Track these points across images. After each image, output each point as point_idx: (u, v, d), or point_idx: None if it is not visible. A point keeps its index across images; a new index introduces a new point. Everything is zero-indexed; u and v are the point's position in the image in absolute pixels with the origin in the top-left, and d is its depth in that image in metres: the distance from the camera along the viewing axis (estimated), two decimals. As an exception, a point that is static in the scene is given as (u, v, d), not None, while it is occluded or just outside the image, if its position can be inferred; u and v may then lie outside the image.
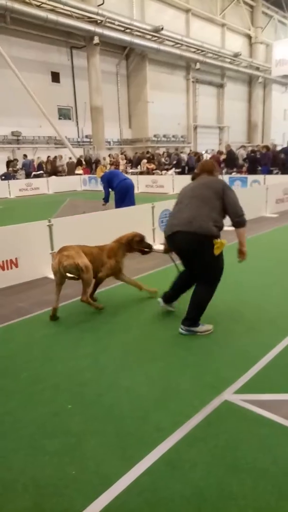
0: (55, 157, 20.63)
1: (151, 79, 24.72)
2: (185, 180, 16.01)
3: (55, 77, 22.04)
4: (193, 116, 28.16)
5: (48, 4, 18.36)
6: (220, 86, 29.98)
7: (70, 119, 23.21)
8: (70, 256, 3.79)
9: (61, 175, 19.51)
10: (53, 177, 18.65)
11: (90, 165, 20.41)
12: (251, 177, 13.84)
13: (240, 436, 2.28)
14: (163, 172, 18.42)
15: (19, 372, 3.03)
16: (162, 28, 22.56)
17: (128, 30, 21.70)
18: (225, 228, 3.40)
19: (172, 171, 17.99)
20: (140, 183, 16.17)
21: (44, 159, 20.56)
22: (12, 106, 19.63)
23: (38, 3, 18.30)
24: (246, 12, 30.15)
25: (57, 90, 21.97)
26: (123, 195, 7.31)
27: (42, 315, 4.12)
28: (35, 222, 5.50)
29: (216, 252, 3.22)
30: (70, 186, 18.32)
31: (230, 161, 16.46)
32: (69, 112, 23.15)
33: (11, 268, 5.16)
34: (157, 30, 22.53)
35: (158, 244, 6.86)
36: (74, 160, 20.69)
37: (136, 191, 9.29)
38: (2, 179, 18.06)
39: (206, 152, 22.22)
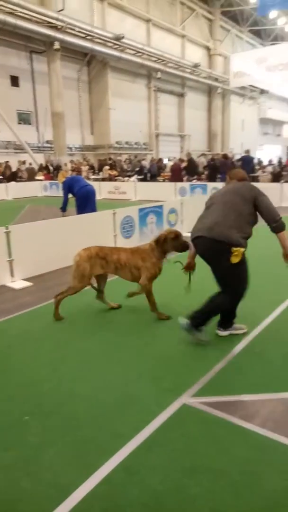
0: (23, 162, 20.12)
1: (112, 86, 24.83)
2: (148, 186, 16.24)
3: (14, 81, 21.62)
4: (155, 124, 28.54)
5: (6, 7, 18.03)
6: (181, 95, 30.62)
7: (30, 124, 22.81)
8: (78, 254, 3.93)
9: (21, 181, 19.09)
10: (12, 182, 18.21)
11: (50, 170, 20.13)
12: (210, 185, 14.16)
13: (198, 439, 2.32)
14: (126, 178, 18.50)
15: (-27, 384, 2.92)
16: (123, 37, 22.77)
17: (89, 37, 21.72)
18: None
19: (134, 178, 18.11)
20: (103, 190, 16.13)
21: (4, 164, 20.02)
22: None
23: (-4, 6, 17.92)
24: (205, 25, 31.07)
25: (17, 95, 21.56)
26: (84, 201, 7.26)
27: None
28: (-8, 229, 5.35)
29: (233, 260, 3.07)
30: (30, 192, 17.96)
31: (190, 168, 16.80)
32: (29, 117, 22.76)
33: None
34: (118, 38, 22.71)
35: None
36: (34, 165, 20.32)
37: (98, 197, 9.26)
38: None
39: (168, 159, 22.56)
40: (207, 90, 32.90)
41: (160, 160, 21.33)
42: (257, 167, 20.01)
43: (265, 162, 25.37)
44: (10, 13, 18.36)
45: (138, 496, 1.93)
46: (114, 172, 19.13)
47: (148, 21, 26.34)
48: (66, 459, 2.17)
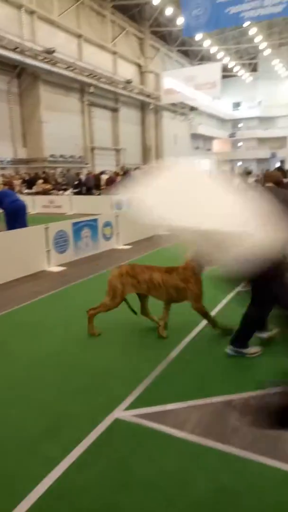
0: None
1: (45, 99, 24.51)
2: (83, 200, 16.05)
3: None
4: (90, 137, 28.58)
5: None
6: (115, 110, 31.05)
7: None
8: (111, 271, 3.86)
9: None
10: None
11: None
12: (146, 197, 14.45)
13: (130, 453, 2.32)
14: (60, 192, 18.23)
15: None
16: (54, 51, 22.68)
17: (18, 49, 21.33)
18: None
19: (69, 191, 17.92)
20: (37, 204, 15.74)
21: None
22: None
23: None
24: (135, 43, 31.97)
25: None
26: (14, 216, 7.03)
27: None
28: None
29: None
30: None
31: (126, 181, 17.02)
32: None
33: None
34: (49, 52, 22.57)
35: (53, 266, 6.74)
36: None
37: (32, 211, 9.04)
38: None
39: (104, 173, 22.67)
40: (140, 106, 33.72)
41: (102, 172, 21.40)
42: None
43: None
44: None
45: (67, 520, 1.87)
46: (48, 186, 18.78)
47: (79, 36, 26.52)
48: (-8, 490, 2.06)
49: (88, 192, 17.74)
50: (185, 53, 37.58)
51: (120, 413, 2.66)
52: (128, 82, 29.84)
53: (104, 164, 28.54)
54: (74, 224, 7.47)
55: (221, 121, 44.32)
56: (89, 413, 2.67)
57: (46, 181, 19.33)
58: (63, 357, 3.49)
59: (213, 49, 28.97)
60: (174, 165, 3.29)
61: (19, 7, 22.39)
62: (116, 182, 16.50)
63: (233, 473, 2.14)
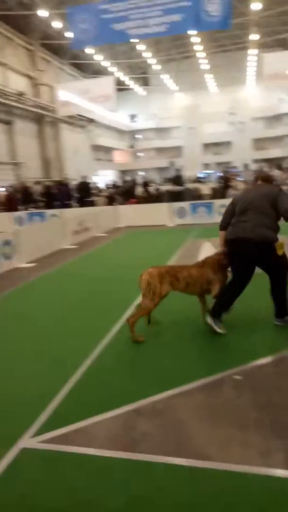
0: None
1: None
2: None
3: None
4: (-17, 152, 27.09)
5: None
6: (8, 123, 29.89)
7: None
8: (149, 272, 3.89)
9: None
10: None
11: None
12: (49, 211, 14.16)
13: (38, 481, 2.23)
14: None
15: None
16: None
17: None
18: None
19: None
20: None
21: None
22: None
23: None
24: (25, 55, 31.25)
25: None
26: None
27: None
28: None
29: (279, 252, 3.71)
30: None
31: (26, 196, 16.45)
32: None
33: None
34: None
35: None
36: None
37: None
38: None
39: (2, 187, 21.60)
40: (36, 118, 32.97)
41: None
42: (94, 191, 20.93)
43: (102, 186, 26.76)
44: None
45: None
46: None
47: None
48: None
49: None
50: (78, 67, 37.84)
51: (27, 441, 2.55)
52: (21, 94, 29.01)
53: (3, 179, 27.26)
54: None
55: (120, 132, 45.49)
56: (-8, 447, 2.51)
57: None
58: None
59: (105, 63, 29.62)
60: None
61: None
62: (15, 198, 15.83)
63: (143, 479, 2.18)
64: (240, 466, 2.21)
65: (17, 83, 29.99)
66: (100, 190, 21.83)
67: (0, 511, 2.05)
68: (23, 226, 12.69)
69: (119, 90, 32.27)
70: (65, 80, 34.75)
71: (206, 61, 32.54)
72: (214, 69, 36.61)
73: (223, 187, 15.52)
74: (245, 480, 2.11)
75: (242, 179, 16.10)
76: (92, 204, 15.96)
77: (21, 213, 14.11)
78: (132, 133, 46.38)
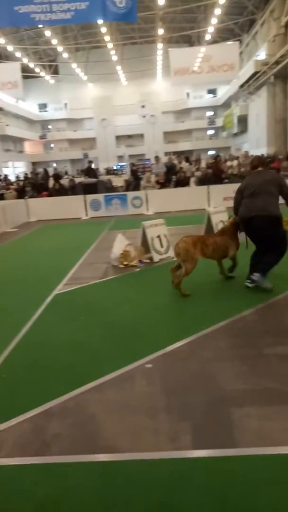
0: None
1: None
2: None
3: None
4: None
5: None
6: None
7: None
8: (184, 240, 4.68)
9: None
10: None
11: None
12: None
13: None
14: None
15: None
16: None
17: None
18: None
19: None
20: None
21: None
22: None
23: None
24: None
25: None
26: None
27: None
28: None
29: (286, 228, 4.54)
30: None
31: None
32: None
33: None
34: None
35: None
36: None
37: None
38: None
39: None
40: None
41: None
42: (3, 184, 19.77)
43: (13, 179, 25.38)
44: None
45: None
46: None
47: None
48: None
49: None
50: (-20, 50, 35.10)
51: None
52: None
53: None
54: None
55: (30, 122, 43.43)
56: None
57: None
58: None
59: (9, 48, 27.85)
60: None
61: None
62: None
63: (53, 483, 2.11)
64: (151, 453, 2.26)
65: None
66: (10, 183, 20.67)
67: None
68: None
69: (26, 77, 30.71)
70: None
71: (115, 52, 32.40)
72: (124, 61, 36.69)
73: (134, 179, 15.71)
74: (156, 466, 2.16)
75: (154, 171, 16.40)
76: (0, 197, 15.08)
77: None
78: (43, 123, 44.59)
